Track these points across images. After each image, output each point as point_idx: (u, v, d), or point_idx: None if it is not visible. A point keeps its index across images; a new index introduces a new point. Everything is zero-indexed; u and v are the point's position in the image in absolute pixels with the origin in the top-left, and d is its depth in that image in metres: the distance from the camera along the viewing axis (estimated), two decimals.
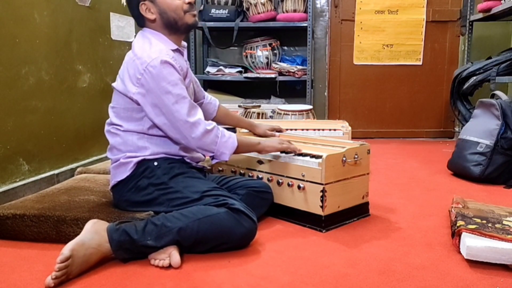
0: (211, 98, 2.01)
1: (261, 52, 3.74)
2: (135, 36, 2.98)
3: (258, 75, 3.72)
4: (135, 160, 1.59)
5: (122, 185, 1.61)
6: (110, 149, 1.66)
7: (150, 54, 1.53)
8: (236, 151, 1.65)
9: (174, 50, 1.63)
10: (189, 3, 1.62)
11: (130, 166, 1.58)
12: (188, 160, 1.69)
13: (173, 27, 1.63)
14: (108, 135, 1.65)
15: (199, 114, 1.59)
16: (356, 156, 1.77)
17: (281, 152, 1.83)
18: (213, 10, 3.73)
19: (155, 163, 1.59)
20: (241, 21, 3.75)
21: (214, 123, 1.63)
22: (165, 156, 1.62)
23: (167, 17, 1.61)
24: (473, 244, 1.39)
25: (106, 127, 1.66)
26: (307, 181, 1.71)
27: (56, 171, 2.24)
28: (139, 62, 1.53)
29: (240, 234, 1.46)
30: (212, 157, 1.64)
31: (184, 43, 1.75)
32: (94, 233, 1.36)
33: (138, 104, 1.56)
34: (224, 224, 1.43)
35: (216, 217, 1.43)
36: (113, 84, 1.64)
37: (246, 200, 1.63)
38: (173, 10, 1.60)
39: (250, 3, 3.67)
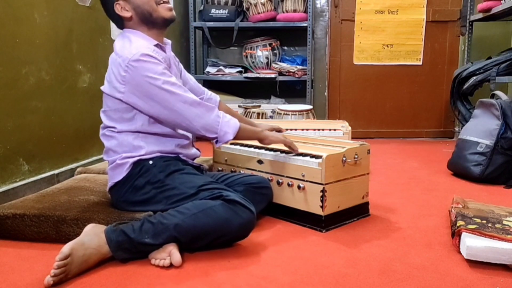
0: (212, 94, 2.00)
1: (261, 52, 3.74)
2: None
3: (258, 75, 3.73)
4: (131, 160, 1.59)
5: (120, 186, 1.61)
6: (106, 152, 1.66)
7: (130, 51, 1.53)
8: (239, 134, 1.63)
9: (155, 45, 1.62)
10: None
11: (127, 167, 1.58)
12: (183, 158, 1.69)
13: (149, 21, 1.63)
14: (104, 139, 1.66)
15: (193, 95, 1.58)
16: (356, 156, 1.77)
17: (281, 152, 1.84)
18: (213, 10, 3.74)
19: (151, 162, 1.59)
20: (241, 21, 3.76)
21: (214, 105, 1.62)
22: (161, 154, 1.62)
23: (141, 11, 1.61)
24: (473, 244, 1.39)
25: (101, 131, 1.67)
26: (307, 181, 1.71)
27: (56, 171, 2.24)
28: (121, 60, 1.53)
29: (238, 224, 1.46)
30: (216, 141, 1.62)
31: (167, 40, 1.75)
32: (93, 235, 1.36)
33: (128, 104, 1.56)
34: (220, 216, 1.43)
35: (211, 209, 1.43)
36: (102, 88, 1.64)
37: (245, 196, 1.62)
38: (145, 3, 1.60)
39: (250, 3, 3.67)
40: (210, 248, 1.47)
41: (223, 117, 1.60)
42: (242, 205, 1.47)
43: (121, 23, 1.66)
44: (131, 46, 1.56)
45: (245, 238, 1.52)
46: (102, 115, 1.65)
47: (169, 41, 1.76)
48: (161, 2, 1.63)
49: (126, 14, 1.61)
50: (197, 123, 1.56)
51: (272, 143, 1.78)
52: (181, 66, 1.87)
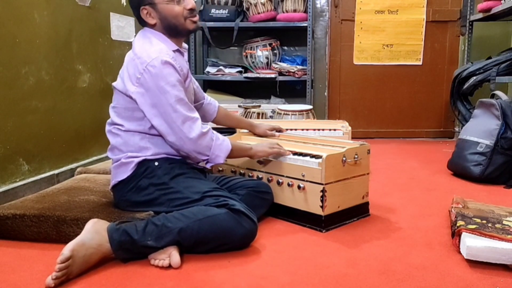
0: (211, 99, 2.02)
1: (261, 52, 3.74)
2: (135, 35, 2.99)
3: (258, 75, 3.72)
4: (136, 160, 1.59)
5: (123, 185, 1.61)
6: (111, 149, 1.66)
7: (150, 54, 1.52)
8: (230, 155, 1.65)
9: (174, 51, 1.62)
10: (190, 9, 1.61)
11: (131, 166, 1.58)
12: (188, 160, 1.69)
13: (173, 31, 1.63)
14: (110, 135, 1.65)
15: (196, 116, 1.58)
16: (356, 156, 1.77)
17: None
18: (213, 10, 3.73)
19: (156, 163, 1.59)
20: (241, 21, 3.75)
21: (208, 126, 1.62)
22: (166, 156, 1.62)
23: (167, 22, 1.60)
24: (473, 244, 1.39)
25: (107, 127, 1.66)
26: (307, 181, 1.71)
27: (56, 171, 2.24)
28: (139, 62, 1.53)
29: (241, 234, 1.47)
30: (207, 161, 1.63)
31: (185, 45, 1.75)
32: (94, 232, 1.36)
33: (137, 103, 1.56)
34: (224, 225, 1.43)
35: (216, 217, 1.43)
36: (114, 84, 1.64)
37: (246, 200, 1.63)
38: (173, 17, 1.59)
39: (250, 3, 3.66)
40: (210, 253, 1.47)
41: (216, 139, 1.61)
42: (247, 216, 1.47)
43: (144, 24, 1.65)
44: (151, 48, 1.55)
45: (245, 248, 1.52)
46: (111, 111, 1.65)
47: (186, 46, 1.77)
48: (189, 16, 1.62)
49: (151, 21, 1.61)
50: (190, 146, 1.56)
51: (261, 157, 1.82)
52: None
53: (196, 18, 1.65)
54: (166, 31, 1.63)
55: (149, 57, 1.52)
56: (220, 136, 1.64)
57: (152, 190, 1.57)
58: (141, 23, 1.66)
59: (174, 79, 1.53)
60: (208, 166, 1.66)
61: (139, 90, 1.54)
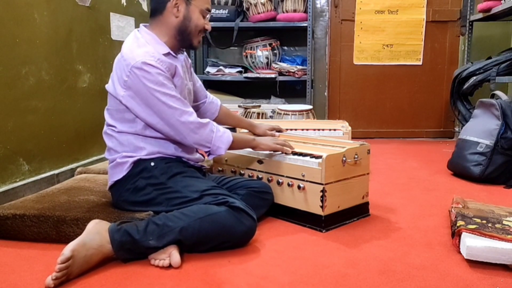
0: (213, 98, 2.01)
1: (261, 52, 3.74)
2: None
3: (258, 75, 3.72)
4: (131, 160, 1.59)
5: (120, 185, 1.61)
6: (108, 150, 1.67)
7: (134, 56, 1.52)
8: (232, 146, 1.67)
9: (165, 54, 1.60)
10: (206, 29, 1.68)
11: (127, 166, 1.59)
12: (185, 159, 1.69)
13: (181, 35, 1.63)
14: (105, 137, 1.66)
15: (191, 110, 1.60)
16: (356, 156, 1.77)
17: (275, 151, 1.84)
18: (213, 10, 3.73)
19: (152, 163, 1.59)
20: (241, 21, 3.75)
21: (208, 119, 1.64)
22: (162, 155, 1.62)
23: (186, 26, 1.62)
24: (473, 244, 1.39)
25: (104, 129, 1.67)
26: (307, 181, 1.71)
27: (56, 171, 2.24)
28: (125, 64, 1.54)
29: (241, 232, 1.47)
30: (209, 153, 1.65)
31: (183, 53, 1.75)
32: (95, 233, 1.36)
33: (127, 107, 1.56)
34: (225, 223, 1.44)
35: (217, 215, 1.44)
36: (106, 86, 1.65)
37: (246, 200, 1.62)
38: (195, 25, 1.63)
39: (250, 3, 3.67)
40: (210, 251, 1.47)
41: (216, 131, 1.62)
42: (246, 213, 1.48)
43: (159, 12, 1.62)
44: (138, 50, 1.55)
45: (245, 245, 1.52)
46: (105, 113, 1.66)
47: (184, 53, 1.77)
48: (202, 33, 1.68)
49: (175, 13, 1.61)
50: (191, 138, 1.58)
51: (263, 150, 1.82)
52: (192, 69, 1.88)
53: (201, 39, 1.72)
54: (177, 30, 1.62)
55: (134, 59, 1.51)
56: (220, 128, 1.66)
57: (150, 190, 1.57)
58: (155, 12, 1.63)
59: (162, 78, 1.53)
60: (210, 158, 1.68)
61: (128, 93, 1.54)
